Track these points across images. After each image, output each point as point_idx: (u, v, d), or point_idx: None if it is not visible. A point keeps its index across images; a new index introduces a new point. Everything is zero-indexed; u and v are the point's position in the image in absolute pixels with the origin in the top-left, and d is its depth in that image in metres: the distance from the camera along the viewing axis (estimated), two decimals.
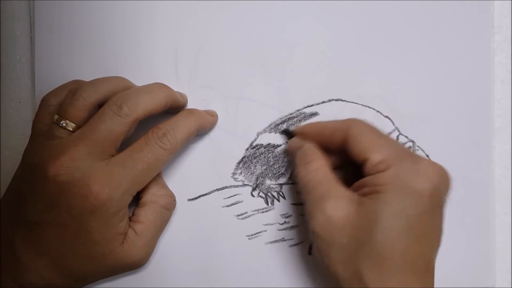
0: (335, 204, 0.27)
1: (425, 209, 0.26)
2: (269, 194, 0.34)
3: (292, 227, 0.34)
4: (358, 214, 0.26)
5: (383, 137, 0.28)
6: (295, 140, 0.32)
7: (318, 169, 0.29)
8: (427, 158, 0.27)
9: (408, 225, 0.25)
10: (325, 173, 0.28)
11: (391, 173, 0.26)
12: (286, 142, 0.34)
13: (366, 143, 0.27)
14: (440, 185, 0.26)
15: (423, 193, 0.26)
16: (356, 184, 0.28)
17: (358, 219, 0.26)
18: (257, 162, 0.34)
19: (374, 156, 0.27)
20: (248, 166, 0.34)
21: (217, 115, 0.34)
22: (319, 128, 0.30)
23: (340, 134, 0.29)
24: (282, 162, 0.34)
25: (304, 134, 0.31)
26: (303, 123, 0.34)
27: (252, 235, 0.34)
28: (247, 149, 0.34)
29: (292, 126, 0.33)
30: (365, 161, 0.27)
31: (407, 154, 0.27)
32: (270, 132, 0.34)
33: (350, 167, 0.30)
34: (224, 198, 0.34)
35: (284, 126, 0.34)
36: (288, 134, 0.33)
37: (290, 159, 0.33)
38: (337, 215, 0.26)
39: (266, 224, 0.34)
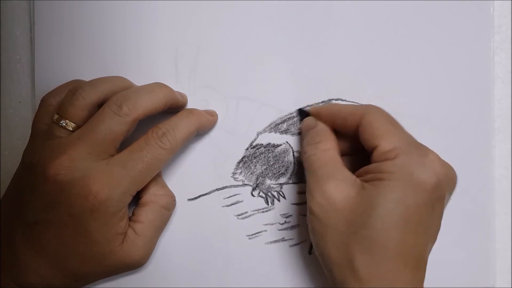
0: (336, 185, 0.27)
1: (425, 201, 0.26)
2: (269, 194, 0.34)
3: (292, 227, 0.34)
4: (357, 199, 0.26)
5: (397, 126, 0.28)
6: (309, 120, 0.32)
7: (326, 150, 0.29)
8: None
9: (406, 215, 0.25)
10: (333, 155, 0.28)
11: (397, 162, 0.26)
12: (286, 142, 0.34)
13: (379, 130, 0.28)
14: (444, 181, 0.26)
15: (425, 186, 0.26)
16: (361, 170, 0.28)
17: (356, 203, 0.26)
18: (257, 162, 0.34)
19: (384, 143, 0.27)
20: (248, 166, 0.34)
21: (217, 115, 0.34)
22: (335, 110, 0.30)
23: (355, 118, 0.29)
24: (282, 162, 0.34)
25: (319, 115, 0.31)
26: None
27: (252, 235, 0.34)
28: (247, 148, 0.34)
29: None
30: (374, 147, 0.27)
31: (417, 146, 0.27)
32: (270, 132, 0.34)
33: (358, 155, 0.30)
34: (224, 198, 0.34)
35: (284, 126, 0.34)
36: (303, 113, 0.33)
37: (303, 137, 0.33)
38: (336, 197, 0.26)
39: (266, 224, 0.34)
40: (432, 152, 0.27)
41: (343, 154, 0.30)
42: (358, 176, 0.28)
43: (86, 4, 0.34)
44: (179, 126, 0.30)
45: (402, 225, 0.25)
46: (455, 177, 0.27)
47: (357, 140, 0.29)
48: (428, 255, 0.27)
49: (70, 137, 0.29)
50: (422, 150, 0.27)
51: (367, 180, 0.27)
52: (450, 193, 0.28)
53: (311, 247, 0.34)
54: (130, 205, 0.30)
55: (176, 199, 0.33)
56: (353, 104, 0.30)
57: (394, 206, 0.25)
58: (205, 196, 0.34)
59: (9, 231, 0.29)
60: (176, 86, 0.33)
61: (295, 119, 0.34)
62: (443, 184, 0.26)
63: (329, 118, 0.31)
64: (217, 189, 0.34)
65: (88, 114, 0.30)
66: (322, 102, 0.34)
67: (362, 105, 0.29)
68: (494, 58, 0.34)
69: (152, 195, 0.31)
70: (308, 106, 0.34)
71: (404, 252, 0.25)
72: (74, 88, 0.30)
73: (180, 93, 0.33)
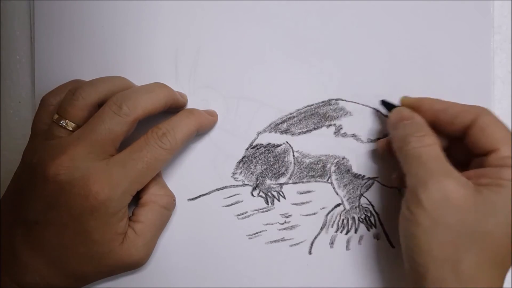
0: (455, 184, 0.26)
1: None
2: (269, 194, 0.34)
3: (292, 227, 0.34)
4: (475, 201, 0.26)
5: None
6: (404, 111, 0.30)
7: (432, 144, 0.28)
8: None
9: None
10: (440, 151, 0.28)
11: None
12: (286, 142, 0.34)
13: (497, 134, 0.27)
14: None
15: None
16: (471, 172, 0.27)
17: (474, 205, 0.26)
18: (257, 161, 0.34)
19: (505, 148, 0.27)
20: (248, 166, 0.34)
21: (217, 115, 0.34)
22: (442, 106, 0.29)
23: (466, 118, 0.28)
24: (282, 162, 0.34)
25: (419, 107, 0.30)
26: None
27: (252, 235, 0.34)
28: (247, 149, 0.34)
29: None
30: (490, 151, 0.27)
31: None
32: (270, 132, 0.34)
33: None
34: (224, 198, 0.34)
35: (284, 126, 0.34)
36: (387, 105, 0.32)
37: (389, 129, 0.31)
38: (455, 195, 0.26)
39: (266, 224, 0.34)
40: None
41: None
42: (467, 178, 0.27)
43: (86, 4, 0.34)
44: (179, 126, 0.30)
45: None
46: None
47: (458, 138, 0.28)
48: None
49: (70, 137, 0.29)
50: None
51: (481, 184, 0.26)
52: None
53: (311, 247, 0.34)
54: (130, 205, 0.30)
55: (176, 199, 0.33)
56: (460, 103, 0.29)
57: None
58: (205, 196, 0.34)
59: (9, 231, 0.29)
60: (176, 86, 0.33)
61: (295, 119, 0.34)
62: None
63: (431, 112, 0.29)
64: (217, 189, 0.34)
65: (88, 114, 0.30)
66: (322, 102, 0.34)
67: (474, 106, 0.29)
68: (494, 58, 0.34)
69: (152, 195, 0.31)
70: (308, 106, 0.34)
71: (507, 262, 0.25)
72: (74, 88, 0.30)
73: (180, 93, 0.33)
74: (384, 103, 0.33)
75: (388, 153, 0.31)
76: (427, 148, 0.27)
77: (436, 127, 0.29)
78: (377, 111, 0.34)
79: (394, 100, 0.32)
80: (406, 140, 0.28)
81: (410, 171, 0.28)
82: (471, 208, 0.26)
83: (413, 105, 0.31)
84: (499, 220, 0.25)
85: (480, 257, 0.25)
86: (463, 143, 0.29)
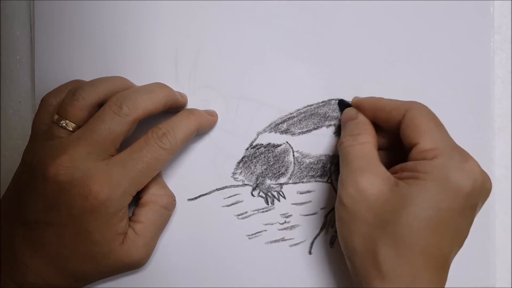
0: (370, 179, 0.27)
1: (458, 207, 0.26)
2: (269, 194, 0.34)
3: (292, 227, 0.34)
4: (390, 195, 0.26)
5: (439, 127, 0.28)
6: (350, 110, 0.32)
7: (364, 143, 0.29)
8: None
9: (437, 217, 0.25)
10: (370, 149, 0.28)
11: (436, 163, 0.26)
12: (286, 142, 0.34)
13: (421, 127, 0.27)
14: (480, 188, 0.26)
15: (461, 191, 0.26)
16: (397, 167, 0.28)
17: (389, 199, 0.26)
18: (257, 161, 0.34)
19: (425, 141, 0.27)
20: (248, 165, 0.34)
21: (217, 115, 0.34)
22: (380, 104, 0.30)
23: (399, 112, 0.29)
24: (282, 162, 0.34)
25: (361, 107, 0.31)
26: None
27: (252, 235, 0.34)
28: (247, 148, 0.34)
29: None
30: (414, 145, 0.27)
31: (458, 150, 0.27)
32: (270, 132, 0.34)
33: (395, 151, 0.30)
34: (224, 198, 0.34)
35: (284, 126, 0.34)
36: (343, 104, 0.33)
37: (342, 128, 0.32)
38: (369, 190, 0.27)
39: (266, 224, 0.34)
40: (472, 158, 0.27)
41: (380, 149, 0.30)
42: (393, 173, 0.28)
43: (86, 4, 0.34)
44: (179, 126, 0.30)
45: (432, 226, 0.25)
46: (490, 187, 0.27)
47: (396, 136, 0.29)
48: (452, 260, 0.27)
49: (70, 137, 0.29)
50: (462, 155, 0.27)
51: (402, 178, 0.27)
52: (483, 203, 0.27)
53: (311, 247, 0.34)
54: (130, 205, 0.30)
55: (176, 199, 0.33)
56: (398, 100, 0.30)
57: (426, 207, 0.25)
58: (205, 196, 0.34)
59: (9, 231, 0.29)
60: (176, 86, 0.33)
61: (295, 119, 0.34)
62: (478, 191, 0.26)
63: (371, 111, 0.30)
64: (217, 189, 0.34)
65: (88, 114, 0.30)
66: (322, 102, 0.34)
67: (407, 101, 0.29)
68: (494, 58, 0.34)
69: (152, 195, 0.31)
70: (308, 106, 0.34)
71: (429, 253, 0.25)
72: (74, 88, 0.30)
73: (180, 93, 0.33)
74: (341, 103, 0.33)
75: None
76: (357, 146, 0.29)
77: (378, 124, 0.30)
78: None
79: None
80: (341, 140, 0.30)
81: (340, 169, 0.29)
82: (387, 202, 0.26)
83: (358, 105, 0.31)
84: (416, 213, 0.25)
85: (398, 249, 0.25)
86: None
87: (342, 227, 0.28)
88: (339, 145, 0.30)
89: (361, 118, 0.31)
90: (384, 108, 0.30)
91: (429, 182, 0.26)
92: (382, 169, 0.28)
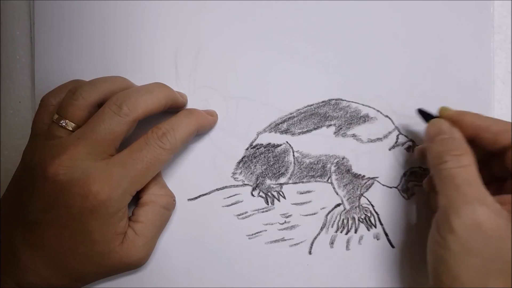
0: (488, 212, 0.26)
1: None
2: (269, 194, 0.34)
3: (292, 227, 0.34)
4: (507, 230, 0.25)
5: None
6: (442, 124, 0.29)
7: (468, 165, 0.27)
8: None
9: None
10: (475, 174, 0.27)
11: None
12: (286, 142, 0.34)
13: None
14: None
15: None
16: (506, 198, 0.27)
17: (505, 234, 0.25)
18: (257, 161, 0.34)
19: None
20: (248, 165, 0.34)
21: (217, 115, 0.34)
22: (485, 123, 0.28)
23: (507, 137, 0.27)
24: (282, 162, 0.34)
25: (460, 122, 0.29)
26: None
27: (252, 235, 0.34)
28: (247, 149, 0.34)
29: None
30: None
31: None
32: (270, 132, 0.34)
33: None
34: (224, 198, 0.34)
35: (284, 126, 0.34)
36: (425, 114, 0.31)
37: (426, 141, 0.30)
38: (487, 225, 0.25)
39: (266, 224, 0.34)
40: None
41: None
42: (501, 204, 0.26)
43: (86, 4, 0.34)
44: (179, 126, 0.30)
45: None
46: None
47: (487, 157, 0.28)
48: None
49: (70, 137, 0.29)
50: None
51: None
52: None
53: (311, 247, 0.34)
54: (130, 205, 0.30)
55: (176, 199, 0.33)
56: (502, 120, 0.28)
57: None
58: (205, 196, 0.34)
59: (9, 231, 0.29)
60: (176, 86, 0.33)
61: (295, 119, 0.34)
62: None
63: (471, 129, 0.29)
64: (217, 189, 0.34)
65: (88, 114, 0.30)
66: (322, 102, 0.34)
67: None
68: (494, 58, 0.34)
69: (152, 195, 0.31)
70: (308, 106, 0.34)
71: None
72: (74, 88, 0.30)
73: (180, 93, 0.33)
74: (421, 112, 0.31)
75: (424, 160, 0.31)
76: (463, 169, 0.27)
77: (475, 143, 0.29)
78: (377, 111, 0.34)
79: (394, 101, 0.32)
80: (442, 157, 0.27)
81: (443, 191, 0.27)
82: (503, 237, 0.25)
83: (453, 118, 0.29)
84: None
85: (508, 286, 0.25)
86: (501, 159, 0.28)
87: (448, 258, 0.26)
88: (440, 163, 0.27)
89: (457, 134, 0.28)
90: (489, 129, 0.28)
91: None
92: (492, 199, 0.26)
